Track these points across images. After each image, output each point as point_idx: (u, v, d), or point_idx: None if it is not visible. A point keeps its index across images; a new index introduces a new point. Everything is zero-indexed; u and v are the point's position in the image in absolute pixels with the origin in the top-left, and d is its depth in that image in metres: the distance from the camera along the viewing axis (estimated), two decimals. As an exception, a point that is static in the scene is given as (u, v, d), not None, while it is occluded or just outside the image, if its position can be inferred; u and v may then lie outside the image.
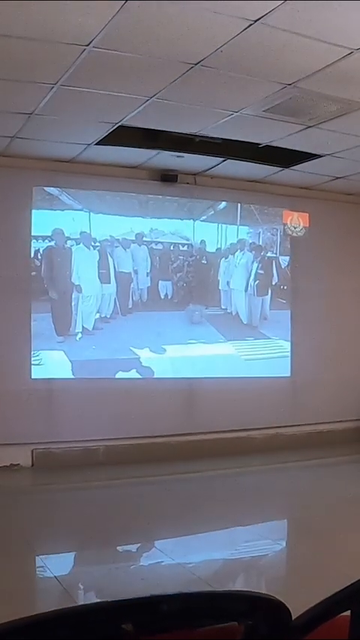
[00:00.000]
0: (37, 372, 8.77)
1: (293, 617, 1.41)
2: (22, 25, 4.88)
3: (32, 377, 8.73)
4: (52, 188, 8.90)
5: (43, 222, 8.92)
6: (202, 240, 9.86)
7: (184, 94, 6.37)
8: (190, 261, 9.78)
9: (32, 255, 8.84)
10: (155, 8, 4.66)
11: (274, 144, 8.02)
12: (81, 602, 4.05)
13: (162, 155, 8.60)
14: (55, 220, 8.98)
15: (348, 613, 1.54)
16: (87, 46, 5.26)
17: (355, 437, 10.37)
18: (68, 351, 9.02)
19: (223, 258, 10.00)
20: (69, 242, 9.07)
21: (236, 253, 10.06)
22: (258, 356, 10.11)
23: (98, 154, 8.42)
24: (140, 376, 9.32)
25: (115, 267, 9.31)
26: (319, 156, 8.46)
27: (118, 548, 5.83)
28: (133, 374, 9.29)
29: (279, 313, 10.28)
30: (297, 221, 10.31)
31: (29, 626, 1.14)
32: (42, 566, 5.29)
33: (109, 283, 9.26)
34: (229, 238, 10.05)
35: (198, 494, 7.74)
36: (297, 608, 1.45)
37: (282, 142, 7.91)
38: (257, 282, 10.16)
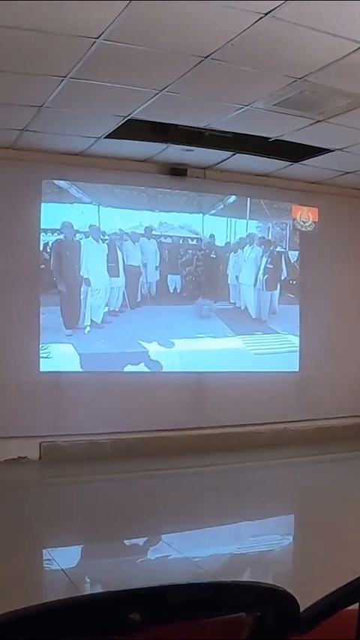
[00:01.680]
0: (45, 366, 8.78)
1: (301, 610, 1.41)
2: (32, 18, 4.87)
3: (41, 370, 8.74)
4: (61, 181, 8.89)
5: (52, 215, 8.92)
6: (211, 235, 9.85)
7: (194, 87, 6.36)
8: (199, 255, 9.78)
9: (41, 248, 8.84)
10: (165, 1, 4.65)
11: (284, 138, 8.00)
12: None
13: (171, 149, 8.59)
14: (65, 213, 8.98)
15: (356, 606, 1.54)
16: (97, 38, 5.26)
17: (363, 432, 10.36)
18: (77, 344, 9.03)
19: (232, 253, 9.98)
20: (78, 235, 9.07)
21: (245, 248, 10.05)
22: (266, 350, 10.10)
23: (108, 147, 8.41)
24: (148, 370, 9.32)
25: (124, 261, 9.31)
26: (329, 150, 8.44)
27: (125, 541, 5.84)
28: (141, 367, 9.29)
29: (288, 308, 10.26)
30: (306, 216, 10.29)
31: (37, 615, 1.14)
32: (49, 559, 5.30)
33: (118, 277, 9.27)
34: (239, 232, 10.04)
35: (205, 488, 7.75)
36: (304, 601, 1.44)
37: (292, 136, 7.89)
38: (266, 276, 10.14)
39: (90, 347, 9.07)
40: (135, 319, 9.33)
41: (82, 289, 9.06)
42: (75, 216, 9.03)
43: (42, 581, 4.76)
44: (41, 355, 8.74)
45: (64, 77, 6.11)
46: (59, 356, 8.88)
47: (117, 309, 9.24)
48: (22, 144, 8.22)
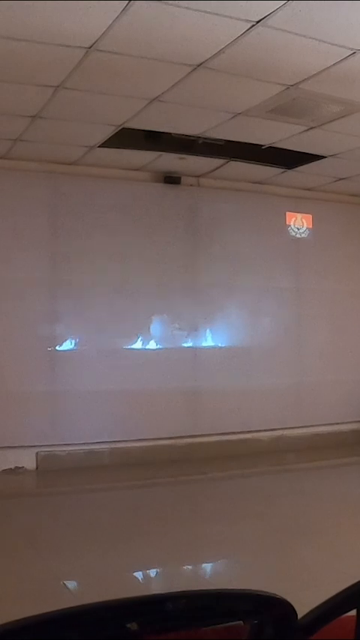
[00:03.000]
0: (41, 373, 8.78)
1: (299, 617, 1.41)
2: (24, 28, 4.88)
3: (37, 378, 8.73)
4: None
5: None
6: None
7: (186, 95, 6.37)
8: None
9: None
10: (157, 10, 4.66)
11: (278, 145, 8.02)
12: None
13: (165, 157, 8.60)
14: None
15: (354, 612, 1.54)
16: (89, 48, 5.27)
17: (360, 438, 10.37)
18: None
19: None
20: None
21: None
22: (262, 357, 10.08)
23: (101, 156, 8.42)
24: (146, 378, 9.30)
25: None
26: (323, 157, 8.46)
27: (123, 550, 5.82)
28: (138, 375, 9.27)
29: (283, 315, 10.26)
30: (300, 222, 10.30)
31: (35, 626, 1.14)
32: (47, 569, 5.28)
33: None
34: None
35: (203, 496, 7.74)
36: (302, 608, 1.44)
37: (285, 143, 7.91)
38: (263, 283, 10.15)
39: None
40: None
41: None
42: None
43: (40, 591, 4.74)
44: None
45: (57, 87, 6.12)
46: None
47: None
48: (15, 154, 8.22)
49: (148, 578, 5.03)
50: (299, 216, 10.32)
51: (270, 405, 9.88)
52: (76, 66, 5.63)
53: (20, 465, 8.51)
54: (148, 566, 5.47)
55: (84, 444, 8.79)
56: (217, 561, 5.60)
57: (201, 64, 5.61)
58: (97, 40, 5.14)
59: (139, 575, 5.18)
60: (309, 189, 10.21)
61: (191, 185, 9.60)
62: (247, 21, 4.81)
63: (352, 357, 10.57)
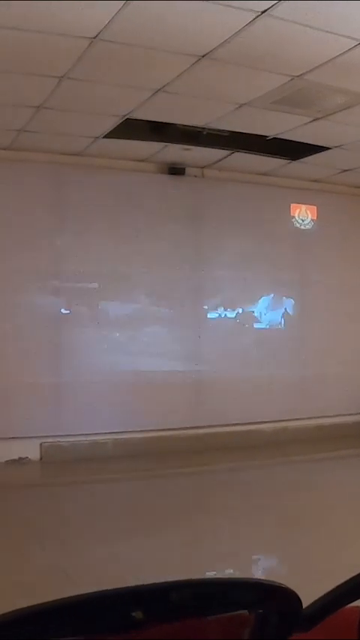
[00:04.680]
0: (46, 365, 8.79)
1: (304, 607, 1.41)
2: (28, 18, 4.87)
3: (42, 370, 8.74)
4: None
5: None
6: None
7: (191, 86, 6.36)
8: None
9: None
10: (162, 1, 4.64)
11: (282, 136, 8.00)
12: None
13: (170, 148, 8.59)
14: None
15: (358, 602, 1.54)
16: (94, 38, 5.25)
17: (363, 430, 10.37)
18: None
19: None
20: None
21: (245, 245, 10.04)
22: (265, 349, 10.08)
23: (106, 147, 8.41)
24: (149, 369, 9.31)
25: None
26: (327, 148, 8.44)
27: (126, 541, 5.84)
28: (141, 366, 9.28)
29: (287, 306, 10.26)
30: (305, 214, 10.29)
31: (39, 615, 1.14)
32: (51, 560, 5.29)
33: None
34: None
35: (207, 487, 7.76)
36: (307, 598, 1.44)
37: (290, 134, 7.89)
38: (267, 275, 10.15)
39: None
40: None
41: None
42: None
43: (44, 582, 4.75)
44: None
45: (61, 77, 6.11)
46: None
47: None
48: (19, 145, 8.21)
49: (152, 568, 5.03)
50: (304, 207, 10.30)
51: (274, 397, 9.89)
52: (80, 56, 5.61)
53: (24, 456, 8.53)
54: (152, 556, 5.47)
55: (88, 434, 8.80)
56: (222, 552, 5.60)
57: (206, 54, 5.59)
58: (101, 31, 5.12)
59: (143, 565, 5.18)
60: (314, 181, 10.18)
61: (196, 176, 9.59)
62: (252, 11, 4.79)
63: (356, 349, 10.56)
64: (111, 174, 9.05)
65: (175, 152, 8.78)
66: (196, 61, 5.75)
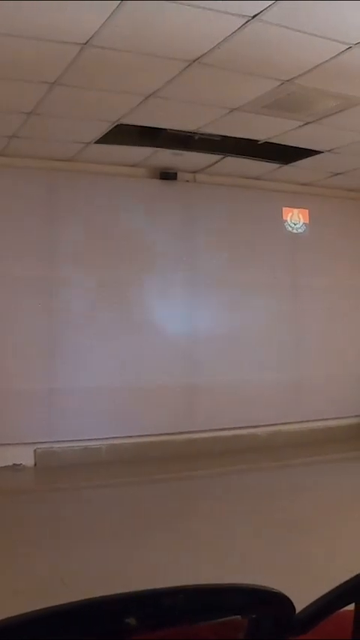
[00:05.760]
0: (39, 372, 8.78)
1: (297, 611, 1.41)
2: (19, 24, 4.87)
3: (34, 376, 8.73)
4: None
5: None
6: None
7: (182, 91, 6.37)
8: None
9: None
10: (152, 6, 4.65)
11: (274, 140, 8.01)
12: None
13: (161, 153, 8.60)
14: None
15: (352, 606, 1.54)
16: (85, 44, 5.26)
17: (358, 433, 10.36)
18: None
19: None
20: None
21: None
22: (259, 352, 10.08)
23: (97, 152, 8.41)
24: (143, 374, 9.30)
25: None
26: (319, 152, 8.46)
27: (121, 546, 5.82)
28: (135, 372, 9.27)
29: (281, 309, 10.26)
30: (297, 218, 10.30)
31: (33, 621, 1.14)
32: (46, 566, 5.28)
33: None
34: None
35: (201, 493, 7.74)
36: (300, 602, 1.44)
37: (281, 138, 7.91)
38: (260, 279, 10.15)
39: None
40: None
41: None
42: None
43: (39, 588, 4.74)
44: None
45: (52, 83, 6.11)
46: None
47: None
48: (11, 151, 8.21)
49: (147, 574, 5.02)
50: (296, 211, 10.32)
51: (267, 401, 9.89)
52: (71, 62, 5.62)
53: (18, 462, 8.51)
54: (147, 561, 5.46)
55: (81, 440, 8.80)
56: (215, 557, 5.60)
57: (196, 59, 5.60)
58: (92, 37, 5.13)
59: (137, 571, 5.17)
60: (305, 185, 10.21)
61: (187, 181, 9.60)
62: (243, 16, 4.80)
63: (349, 352, 10.58)
64: (103, 180, 9.05)
65: (166, 157, 8.79)
66: (186, 66, 5.76)
